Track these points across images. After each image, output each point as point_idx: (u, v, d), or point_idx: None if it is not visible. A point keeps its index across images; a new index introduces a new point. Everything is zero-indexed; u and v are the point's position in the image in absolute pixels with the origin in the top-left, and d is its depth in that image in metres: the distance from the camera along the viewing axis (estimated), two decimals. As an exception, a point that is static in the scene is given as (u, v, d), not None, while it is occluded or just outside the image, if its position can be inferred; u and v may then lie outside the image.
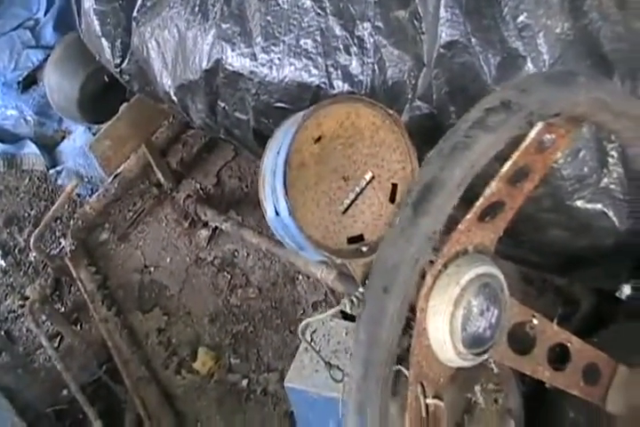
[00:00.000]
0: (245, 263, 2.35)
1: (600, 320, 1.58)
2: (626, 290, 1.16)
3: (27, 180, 3.12)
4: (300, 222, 1.10)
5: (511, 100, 0.82)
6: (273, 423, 2.15)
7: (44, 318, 2.43)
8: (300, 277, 2.25)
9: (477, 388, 1.12)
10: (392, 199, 1.16)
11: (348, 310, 1.10)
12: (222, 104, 1.73)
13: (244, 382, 2.23)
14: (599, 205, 1.21)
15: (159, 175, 2.56)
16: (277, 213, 1.14)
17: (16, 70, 3.21)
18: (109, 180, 2.60)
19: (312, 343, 1.32)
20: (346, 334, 1.30)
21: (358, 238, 1.12)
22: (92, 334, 2.40)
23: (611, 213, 1.21)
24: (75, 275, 2.41)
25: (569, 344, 1.02)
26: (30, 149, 3.16)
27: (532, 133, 0.95)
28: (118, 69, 2.04)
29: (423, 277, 0.95)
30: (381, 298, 0.74)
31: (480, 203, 0.98)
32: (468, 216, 0.98)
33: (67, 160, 3.05)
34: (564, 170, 1.20)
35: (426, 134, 1.32)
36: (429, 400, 0.93)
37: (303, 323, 1.19)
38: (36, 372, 2.26)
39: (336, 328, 1.32)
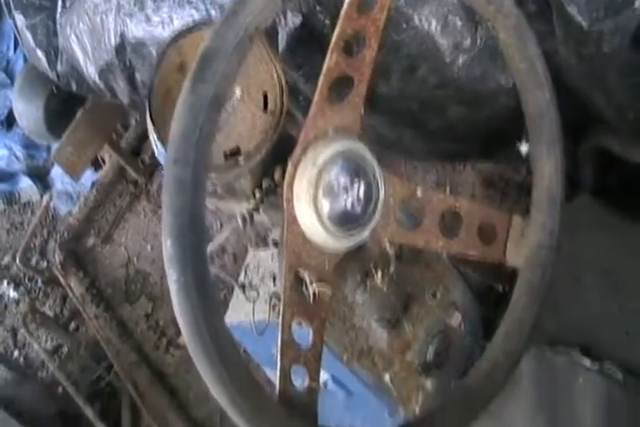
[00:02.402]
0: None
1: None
2: (523, 148, 1.09)
3: (29, 213, 3.17)
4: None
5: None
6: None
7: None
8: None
9: (379, 273, 1.08)
10: (266, 108, 1.13)
11: (240, 226, 1.07)
12: (138, 76, 1.73)
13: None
14: (481, 68, 1.15)
15: (132, 173, 2.57)
16: (157, 148, 1.12)
17: (-3, 112, 3.26)
18: (88, 188, 2.63)
19: (246, 277, 1.30)
20: (271, 260, 1.27)
21: (235, 151, 1.09)
22: (87, 336, 2.42)
23: (494, 72, 1.15)
24: (64, 283, 2.44)
25: (457, 208, 0.98)
26: (25, 182, 3.22)
27: (347, -4, 0.92)
28: (55, 74, 2.06)
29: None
30: (172, 168, 0.72)
31: (321, 81, 0.95)
32: (315, 98, 0.95)
33: (56, 184, 3.09)
34: (437, 42, 1.15)
35: (300, 43, 1.30)
36: (312, 286, 0.90)
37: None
38: (36, 377, 2.30)
39: (264, 257, 1.30)
